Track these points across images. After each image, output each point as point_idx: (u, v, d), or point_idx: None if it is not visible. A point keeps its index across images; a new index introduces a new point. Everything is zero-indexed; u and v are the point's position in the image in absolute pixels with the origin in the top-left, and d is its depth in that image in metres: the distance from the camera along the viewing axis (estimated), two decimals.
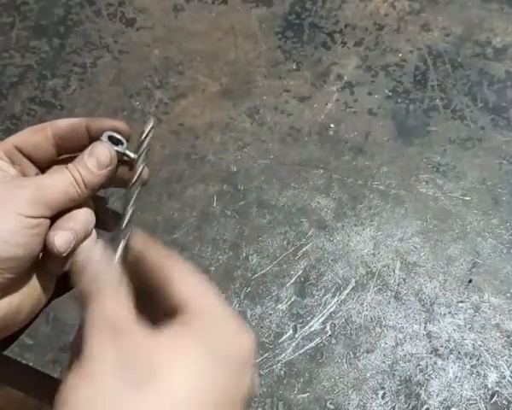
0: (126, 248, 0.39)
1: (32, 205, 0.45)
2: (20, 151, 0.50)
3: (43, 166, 0.52)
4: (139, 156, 0.49)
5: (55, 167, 0.52)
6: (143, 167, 0.48)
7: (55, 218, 0.48)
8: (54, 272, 0.50)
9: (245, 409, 0.35)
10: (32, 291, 0.49)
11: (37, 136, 0.51)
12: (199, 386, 0.33)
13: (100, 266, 0.37)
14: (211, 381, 0.33)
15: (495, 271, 0.53)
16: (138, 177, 0.47)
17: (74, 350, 0.35)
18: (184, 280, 0.37)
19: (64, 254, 0.48)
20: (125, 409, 0.32)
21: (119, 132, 0.50)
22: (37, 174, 0.51)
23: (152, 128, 0.49)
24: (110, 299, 0.36)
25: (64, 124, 0.51)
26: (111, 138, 0.50)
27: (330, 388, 0.48)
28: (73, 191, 0.48)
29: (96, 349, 0.34)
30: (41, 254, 0.48)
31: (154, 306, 0.37)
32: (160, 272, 0.37)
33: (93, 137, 0.50)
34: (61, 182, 0.47)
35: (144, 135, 0.49)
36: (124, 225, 0.42)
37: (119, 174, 0.51)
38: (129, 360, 0.33)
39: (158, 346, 0.34)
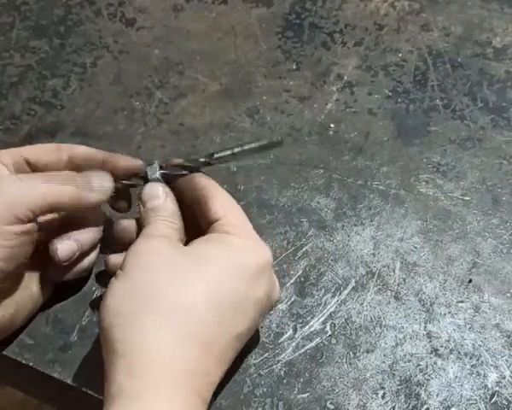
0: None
1: (11, 208, 0.43)
2: (29, 165, 0.49)
3: None
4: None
5: None
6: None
7: (59, 230, 0.48)
8: (54, 280, 0.50)
9: (261, 308, 0.44)
10: (27, 300, 0.49)
11: (51, 155, 0.50)
12: (225, 278, 0.43)
13: (157, 201, 0.47)
14: (233, 276, 0.43)
15: (495, 271, 0.53)
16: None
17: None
18: (221, 199, 0.46)
19: (65, 264, 0.48)
20: (178, 270, 0.42)
21: (131, 172, 0.50)
22: None
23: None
24: (161, 223, 0.46)
25: (81, 151, 0.50)
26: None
27: (330, 388, 0.48)
28: (66, 202, 0.46)
29: (146, 246, 0.44)
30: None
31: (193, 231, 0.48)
32: (203, 190, 0.47)
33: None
34: (49, 188, 0.45)
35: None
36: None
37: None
38: (181, 251, 0.44)
39: (199, 245, 0.45)
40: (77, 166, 0.50)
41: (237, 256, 0.44)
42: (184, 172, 0.49)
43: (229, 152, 0.49)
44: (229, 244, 0.44)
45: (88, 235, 0.49)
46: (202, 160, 0.49)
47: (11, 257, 0.44)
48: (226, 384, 0.48)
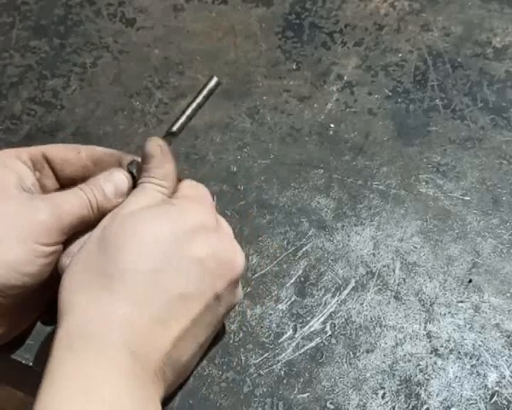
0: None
1: (48, 232, 0.45)
2: (47, 161, 0.49)
3: (64, 183, 0.50)
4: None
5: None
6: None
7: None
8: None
9: (208, 268, 0.44)
10: (25, 314, 0.49)
11: (69, 153, 0.50)
12: (153, 235, 0.44)
13: (153, 160, 0.48)
14: (162, 233, 0.44)
15: (495, 271, 0.53)
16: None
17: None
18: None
19: None
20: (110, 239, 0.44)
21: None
22: (55, 189, 0.50)
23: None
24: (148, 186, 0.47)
25: (100, 150, 0.50)
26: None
27: (330, 388, 0.48)
28: (87, 215, 0.47)
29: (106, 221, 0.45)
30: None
31: None
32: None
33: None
34: (78, 206, 0.46)
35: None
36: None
37: None
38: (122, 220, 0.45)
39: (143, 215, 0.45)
40: (95, 164, 0.50)
41: (166, 214, 0.45)
42: None
43: (184, 118, 0.50)
44: (161, 206, 0.45)
45: None
46: (171, 131, 0.50)
47: (38, 274, 0.45)
48: (226, 384, 0.48)
